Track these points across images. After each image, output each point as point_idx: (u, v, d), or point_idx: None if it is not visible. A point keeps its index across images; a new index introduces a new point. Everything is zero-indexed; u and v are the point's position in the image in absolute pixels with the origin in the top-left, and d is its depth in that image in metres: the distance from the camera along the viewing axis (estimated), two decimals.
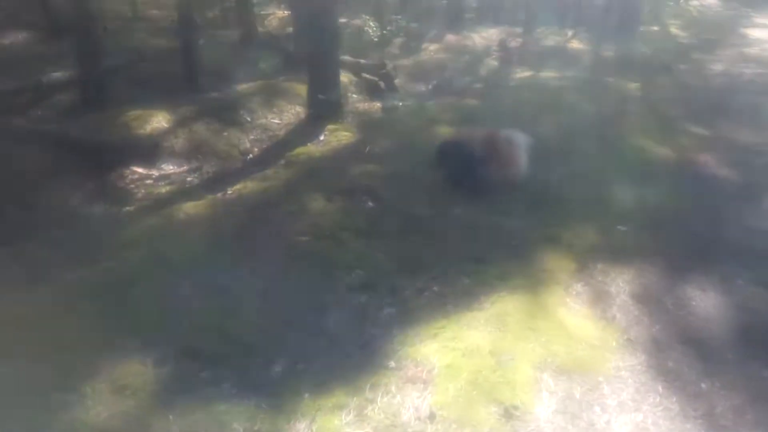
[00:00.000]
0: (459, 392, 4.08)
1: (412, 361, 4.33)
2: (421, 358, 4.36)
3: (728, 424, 4.06)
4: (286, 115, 9.49)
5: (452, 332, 4.59)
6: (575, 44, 17.59)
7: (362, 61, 11.97)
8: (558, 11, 20.89)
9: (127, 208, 6.31)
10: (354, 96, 11.01)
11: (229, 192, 6.66)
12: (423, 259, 5.63)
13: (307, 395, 4.03)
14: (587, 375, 4.31)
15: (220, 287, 4.98)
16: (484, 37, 17.86)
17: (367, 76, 11.72)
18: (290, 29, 13.90)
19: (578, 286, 5.32)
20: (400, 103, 10.82)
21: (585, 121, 9.70)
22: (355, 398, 4.04)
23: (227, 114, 8.95)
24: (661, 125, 9.78)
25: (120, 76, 10.76)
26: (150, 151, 7.49)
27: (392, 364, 4.33)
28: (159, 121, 8.24)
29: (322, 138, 8.58)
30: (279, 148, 8.33)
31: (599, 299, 5.18)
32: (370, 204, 6.56)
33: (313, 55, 9.07)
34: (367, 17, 15.06)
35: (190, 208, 6.10)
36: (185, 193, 6.68)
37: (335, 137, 8.50)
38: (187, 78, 10.65)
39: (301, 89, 9.74)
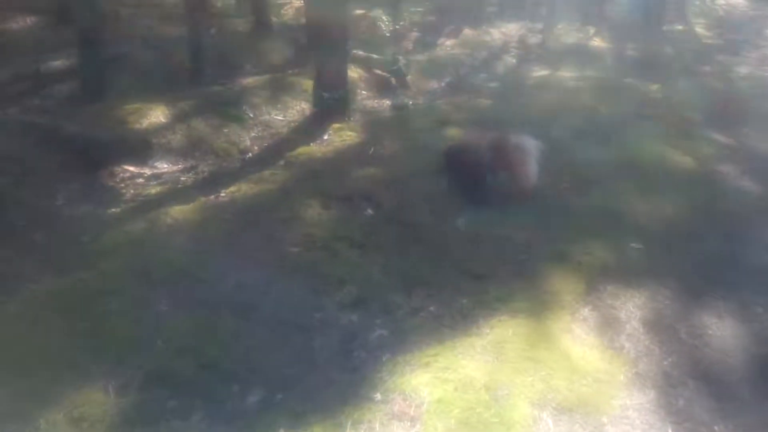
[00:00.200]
0: None
1: (400, 394, 3.98)
2: (410, 390, 4.01)
3: None
4: (291, 111, 9.15)
5: (446, 361, 4.24)
6: (597, 42, 17.13)
7: (374, 56, 11.62)
8: (580, 8, 20.41)
9: (113, 209, 5.99)
10: (363, 93, 10.66)
11: (222, 194, 6.33)
12: (421, 274, 5.28)
13: (282, 431, 3.70)
14: (590, 415, 3.95)
15: (200, 303, 4.65)
16: (504, 32, 17.44)
17: (378, 72, 11.36)
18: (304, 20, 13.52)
19: (585, 311, 4.95)
20: (410, 102, 10.47)
21: (602, 124, 9.30)
22: None
23: (229, 109, 8.63)
24: (682, 131, 9.35)
25: (123, 65, 10.48)
26: (144, 147, 7.19)
27: (378, 396, 3.98)
28: (157, 115, 7.94)
29: (325, 137, 8.23)
30: (280, 147, 8.00)
31: (608, 326, 4.81)
32: (369, 211, 6.22)
33: (320, 50, 8.72)
34: (381, 11, 14.66)
35: (177, 212, 5.77)
36: (176, 194, 6.35)
37: (339, 137, 8.15)
38: (193, 69, 10.34)
39: (308, 85, 9.40)
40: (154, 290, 4.71)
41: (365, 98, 10.54)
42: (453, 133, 8.39)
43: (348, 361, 4.28)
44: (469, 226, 6.21)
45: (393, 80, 11.25)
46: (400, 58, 11.46)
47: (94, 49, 9.01)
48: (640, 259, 5.83)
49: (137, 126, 7.61)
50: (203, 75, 10.27)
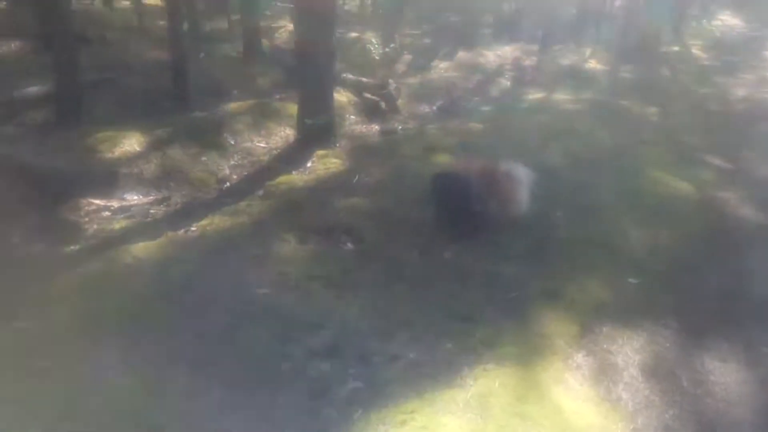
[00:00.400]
0: None
1: None
2: None
3: None
4: (274, 138, 8.79)
5: (424, 419, 3.82)
6: (593, 64, 16.84)
7: (364, 79, 11.29)
8: (576, 29, 20.22)
9: (72, 247, 5.58)
10: (352, 117, 10.30)
11: (193, 228, 5.94)
12: (402, 316, 4.88)
13: None
14: None
15: (151, 357, 4.20)
16: (499, 54, 17.17)
17: (368, 95, 11.01)
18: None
19: (579, 357, 4.55)
20: (400, 127, 10.12)
21: (598, 149, 8.97)
22: None
23: (209, 136, 8.27)
24: (680, 156, 9.02)
25: (103, 92, 10.14)
26: (113, 178, 6.80)
27: None
28: (131, 143, 7.57)
29: (309, 165, 7.87)
30: (260, 175, 7.62)
31: (604, 374, 4.41)
32: (350, 246, 5.84)
33: (304, 75, 8.37)
34: (371, 34, 14.39)
35: (140, 249, 5.37)
36: (142, 229, 5.95)
37: (323, 164, 7.79)
38: (176, 94, 9.99)
39: (294, 110, 9.03)
40: (100, 342, 4.27)
41: (354, 123, 10.18)
42: (442, 159, 8.04)
43: (315, 421, 3.85)
44: (456, 260, 5.83)
45: (383, 104, 10.91)
46: (391, 81, 11.13)
47: (70, 75, 8.66)
48: (638, 295, 5.46)
49: (108, 155, 7.24)
50: (187, 101, 9.92)
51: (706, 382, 4.47)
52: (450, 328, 4.77)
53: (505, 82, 14.55)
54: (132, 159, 7.30)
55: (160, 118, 8.74)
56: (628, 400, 4.19)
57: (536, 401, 4.03)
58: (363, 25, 19.19)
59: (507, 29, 21.62)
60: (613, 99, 12.75)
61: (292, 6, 13.03)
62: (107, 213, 6.32)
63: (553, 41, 18.70)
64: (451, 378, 4.20)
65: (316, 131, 8.27)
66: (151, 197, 6.83)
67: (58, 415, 3.71)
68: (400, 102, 11.17)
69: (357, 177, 7.35)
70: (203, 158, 7.81)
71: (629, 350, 4.69)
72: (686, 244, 6.40)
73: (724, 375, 4.58)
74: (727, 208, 7.41)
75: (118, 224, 6.04)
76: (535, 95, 13.25)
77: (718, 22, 23.61)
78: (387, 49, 11.11)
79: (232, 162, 8.01)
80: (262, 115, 9.26)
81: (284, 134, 8.91)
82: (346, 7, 25.84)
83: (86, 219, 6.14)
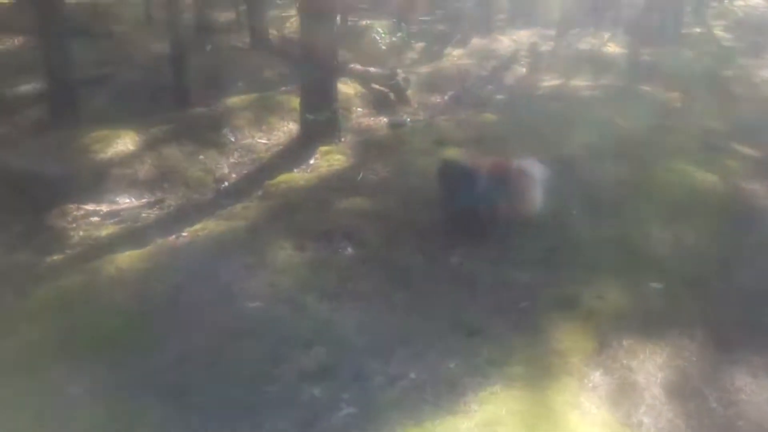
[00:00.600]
0: None
1: None
2: None
3: None
4: (276, 134, 8.44)
5: None
6: (612, 48, 16.30)
7: (371, 69, 10.88)
8: (595, 12, 19.62)
9: (55, 257, 5.26)
10: (359, 110, 9.92)
11: (184, 234, 5.59)
12: (402, 331, 4.50)
13: None
14: None
15: (127, 383, 3.83)
16: (515, 39, 16.67)
17: (377, 86, 10.62)
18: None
19: (596, 376, 4.14)
20: (408, 119, 9.71)
21: (617, 138, 8.49)
22: None
23: (208, 133, 7.93)
24: (704, 143, 8.52)
25: (102, 88, 9.86)
26: (104, 181, 6.49)
27: None
28: (125, 143, 7.25)
29: (311, 162, 7.50)
30: (260, 174, 7.28)
31: (623, 395, 3.99)
32: (350, 251, 5.46)
33: (306, 67, 7.98)
34: (384, 22, 13.94)
35: (125, 259, 5.02)
36: (131, 235, 5.63)
37: (326, 161, 7.41)
38: (176, 89, 9.66)
39: (298, 103, 8.66)
40: (71, 366, 3.91)
41: (361, 116, 9.80)
42: (452, 154, 7.62)
43: None
44: (464, 265, 5.44)
45: (392, 95, 10.50)
46: (400, 71, 10.70)
47: (64, 72, 8.34)
48: (661, 302, 5.03)
49: (101, 156, 6.92)
50: (187, 96, 9.59)
51: (736, 402, 4.05)
52: (455, 344, 4.39)
53: (521, 69, 14.08)
54: (125, 159, 6.98)
55: (158, 115, 8.42)
56: (650, 426, 3.78)
57: (548, 430, 3.63)
58: (376, 12, 18.76)
59: (523, 13, 21.12)
60: (633, 84, 12.25)
61: None
62: (96, 218, 6.01)
63: (570, 25, 18.15)
64: (454, 403, 3.82)
65: (319, 126, 7.89)
66: (144, 200, 6.51)
67: None
68: (409, 92, 10.75)
69: (361, 175, 6.96)
70: (201, 157, 7.48)
71: (651, 367, 4.27)
72: (712, 243, 5.95)
73: (756, 393, 4.16)
74: (755, 200, 6.94)
75: (106, 231, 5.72)
76: (551, 82, 12.77)
77: (741, 2, 22.88)
78: (394, 39, 10.64)
79: (232, 160, 7.67)
80: (265, 110, 8.92)
81: (287, 129, 8.56)
82: None
83: (73, 225, 5.83)
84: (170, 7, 9.53)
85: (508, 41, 16.48)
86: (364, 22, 16.70)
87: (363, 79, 10.68)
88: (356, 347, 4.30)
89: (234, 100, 9.18)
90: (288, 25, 16.25)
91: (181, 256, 5.10)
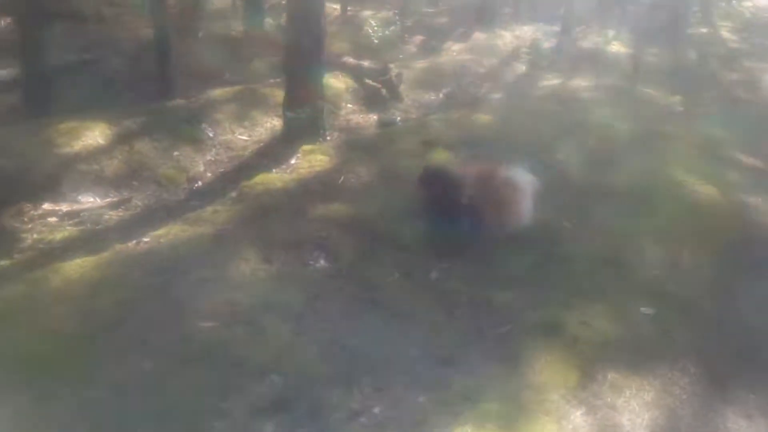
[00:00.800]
0: None
1: None
2: None
3: None
4: (259, 130, 8.05)
5: None
6: (616, 46, 15.89)
7: (365, 64, 10.45)
8: (601, 9, 19.24)
9: (0, 262, 4.88)
10: (349, 106, 9.53)
11: (145, 240, 5.21)
12: (370, 357, 4.14)
13: None
14: None
15: (48, 421, 3.42)
16: (517, 36, 16.28)
17: (369, 81, 10.20)
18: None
19: (578, 415, 3.78)
20: (398, 117, 9.32)
21: (615, 144, 8.12)
22: None
23: (185, 127, 7.54)
24: (706, 152, 8.16)
25: (82, 75, 9.46)
26: (67, 177, 6.09)
27: None
28: (95, 136, 6.85)
29: (293, 162, 7.11)
30: (236, 174, 6.90)
31: None
32: (322, 263, 5.09)
33: (290, 59, 7.57)
34: (374, 13, 13.52)
35: (74, 268, 4.64)
36: (88, 240, 5.24)
37: (308, 162, 7.02)
38: (159, 79, 9.25)
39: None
40: None
41: (350, 112, 9.41)
42: (440, 156, 7.25)
43: None
44: (443, 282, 5.08)
45: (384, 91, 10.10)
46: (392, 66, 10.28)
47: (38, 57, 7.94)
48: (652, 330, 4.70)
49: (66, 149, 6.52)
50: (170, 85, 9.17)
51: None
52: (425, 374, 4.03)
53: (521, 67, 13.68)
54: (93, 154, 6.59)
55: (135, 106, 8.03)
56: None
57: None
58: (379, 3, 18.33)
59: (527, 8, 20.74)
60: (635, 85, 11.87)
61: None
62: (54, 219, 5.62)
63: (575, 22, 17.75)
64: None
65: (302, 124, 7.50)
66: (109, 199, 6.13)
67: None
68: (402, 88, 10.34)
69: (342, 178, 6.58)
70: (175, 153, 7.09)
71: (638, 405, 3.93)
72: (710, 264, 5.61)
73: None
74: (756, 217, 6.60)
75: (62, 234, 5.33)
76: (551, 81, 12.37)
77: (749, 3, 22.45)
78: (387, 32, 10.22)
79: (208, 157, 7.29)
80: (249, 103, 8.53)
81: (270, 125, 8.17)
82: None
83: (28, 226, 5.44)
84: None
85: (510, 37, 16.09)
86: (366, 12, 16.30)
87: (355, 73, 10.27)
88: (317, 376, 3.93)
89: (217, 92, 8.78)
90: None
91: (136, 266, 4.72)
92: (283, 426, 3.57)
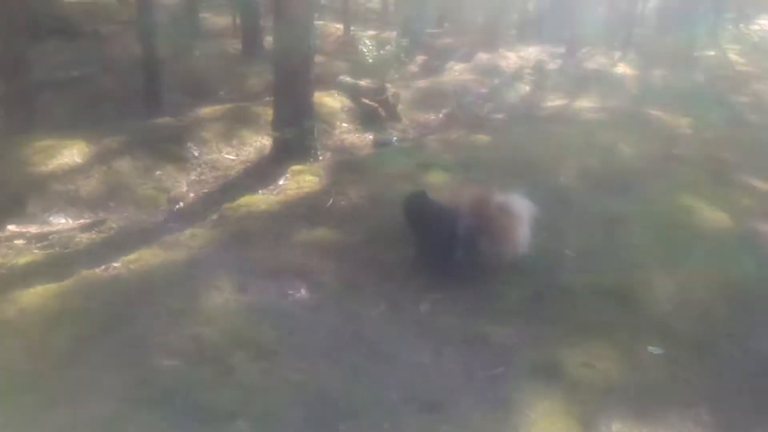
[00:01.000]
0: None
1: None
2: None
3: None
4: (247, 149, 7.71)
5: None
6: (622, 68, 15.64)
7: (361, 83, 10.15)
8: (607, 30, 19.01)
9: None
10: (344, 125, 9.19)
11: (115, 266, 4.83)
12: (347, 402, 3.73)
13: None
14: None
15: None
16: (522, 56, 16.04)
17: (366, 101, 9.88)
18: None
19: None
20: (395, 138, 8.98)
21: (621, 168, 7.78)
22: None
23: (169, 146, 7.21)
24: (715, 176, 7.77)
25: (69, 92, 9.19)
26: (38, 198, 5.74)
27: None
28: (72, 154, 6.53)
29: (281, 183, 6.76)
30: (220, 195, 6.55)
31: None
32: (302, 293, 4.71)
33: (278, 79, 7.24)
34: (363, 34, 13.26)
35: (33, 297, 4.26)
36: (52, 265, 4.86)
37: (296, 183, 6.67)
38: (147, 96, 8.96)
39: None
40: None
41: (345, 132, 9.07)
42: (436, 179, 6.90)
43: None
44: (433, 316, 4.68)
45: (382, 111, 9.77)
46: (388, 86, 9.95)
47: (18, 73, 7.64)
48: (661, 372, 4.27)
49: (41, 168, 6.19)
50: (159, 103, 8.89)
51: None
52: (408, 422, 3.62)
53: (524, 87, 13.40)
54: (68, 173, 6.25)
55: (119, 123, 7.71)
56: None
57: None
58: (384, 23, 18.12)
59: (533, 30, 20.56)
60: (641, 107, 11.54)
61: None
62: (20, 241, 5.26)
63: (581, 43, 17.51)
64: None
65: (292, 143, 7.15)
66: (82, 221, 5.77)
67: None
68: (400, 108, 10.02)
69: (331, 201, 6.22)
70: (157, 173, 6.75)
71: None
72: (722, 297, 5.18)
73: None
74: None
75: (26, 258, 4.96)
76: (555, 102, 12.07)
77: (756, 27, 22.23)
78: (382, 52, 9.91)
79: (192, 177, 6.94)
80: (238, 121, 8.21)
81: (259, 145, 7.83)
82: (369, 5, 24.86)
83: None
84: (141, 11, 8.80)
85: (514, 57, 15.84)
86: (369, 32, 16.07)
87: (352, 92, 9.96)
88: (287, 423, 3.53)
89: (206, 111, 8.47)
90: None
91: (100, 295, 4.33)
92: None
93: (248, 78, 11.30)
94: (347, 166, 7.19)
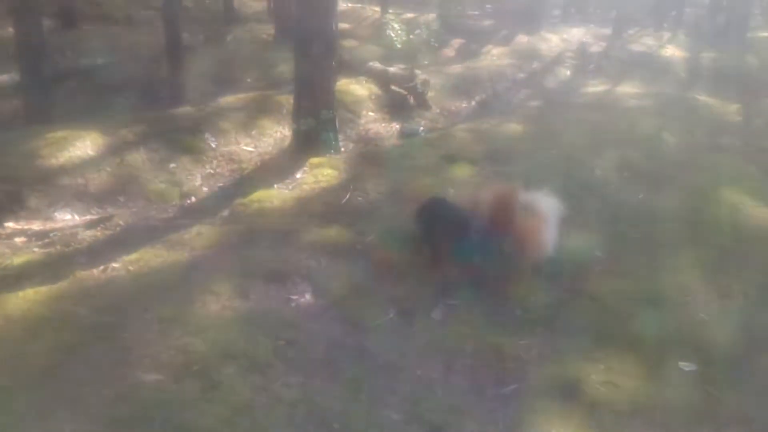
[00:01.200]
0: None
1: None
2: None
3: None
4: (267, 140, 7.45)
5: None
6: (670, 50, 14.96)
7: (391, 69, 9.78)
8: (657, 11, 18.29)
9: None
10: (370, 114, 8.87)
11: (114, 266, 4.60)
12: (344, 422, 3.43)
13: None
14: None
15: None
16: (564, 38, 15.47)
17: (395, 88, 9.53)
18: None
19: None
20: (422, 127, 8.61)
21: (662, 160, 7.34)
22: None
23: (186, 137, 6.98)
24: (765, 170, 7.25)
25: (91, 80, 9.03)
26: (45, 192, 5.56)
27: None
28: (85, 146, 6.34)
29: (298, 176, 6.49)
30: (235, 189, 6.32)
31: None
32: (306, 298, 4.42)
33: (299, 66, 6.94)
34: (392, 16, 12.84)
35: (19, 302, 4.04)
36: (49, 265, 4.65)
37: (314, 177, 6.39)
38: (170, 85, 8.77)
39: None
40: None
41: (371, 121, 8.74)
42: (460, 173, 6.55)
43: None
44: (445, 325, 4.36)
45: (411, 99, 9.41)
46: (418, 72, 9.57)
47: (37, 61, 7.49)
48: (692, 391, 3.88)
49: (51, 161, 6.01)
50: (181, 91, 8.69)
51: None
52: None
53: (565, 72, 12.90)
54: (79, 166, 6.07)
55: (138, 113, 7.51)
56: None
57: None
58: (423, 5, 17.68)
59: (579, 10, 19.93)
60: (688, 92, 10.97)
61: None
62: (21, 239, 5.07)
63: (628, 24, 16.86)
64: None
65: (311, 134, 6.85)
66: (88, 217, 5.57)
67: None
68: (431, 95, 9.63)
69: (348, 195, 5.92)
70: (171, 165, 6.54)
71: None
72: (766, 306, 4.76)
73: None
74: None
75: (23, 257, 4.76)
76: (596, 87, 11.56)
77: None
78: (412, 36, 9.52)
79: (208, 170, 6.71)
80: (260, 111, 7.95)
81: (280, 136, 7.56)
82: None
83: None
84: None
85: (557, 40, 15.29)
86: (407, 15, 15.68)
87: (381, 79, 9.62)
88: None
89: (229, 99, 8.22)
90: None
91: (91, 300, 4.10)
92: None
93: (277, 65, 11.01)
94: (368, 159, 6.88)
